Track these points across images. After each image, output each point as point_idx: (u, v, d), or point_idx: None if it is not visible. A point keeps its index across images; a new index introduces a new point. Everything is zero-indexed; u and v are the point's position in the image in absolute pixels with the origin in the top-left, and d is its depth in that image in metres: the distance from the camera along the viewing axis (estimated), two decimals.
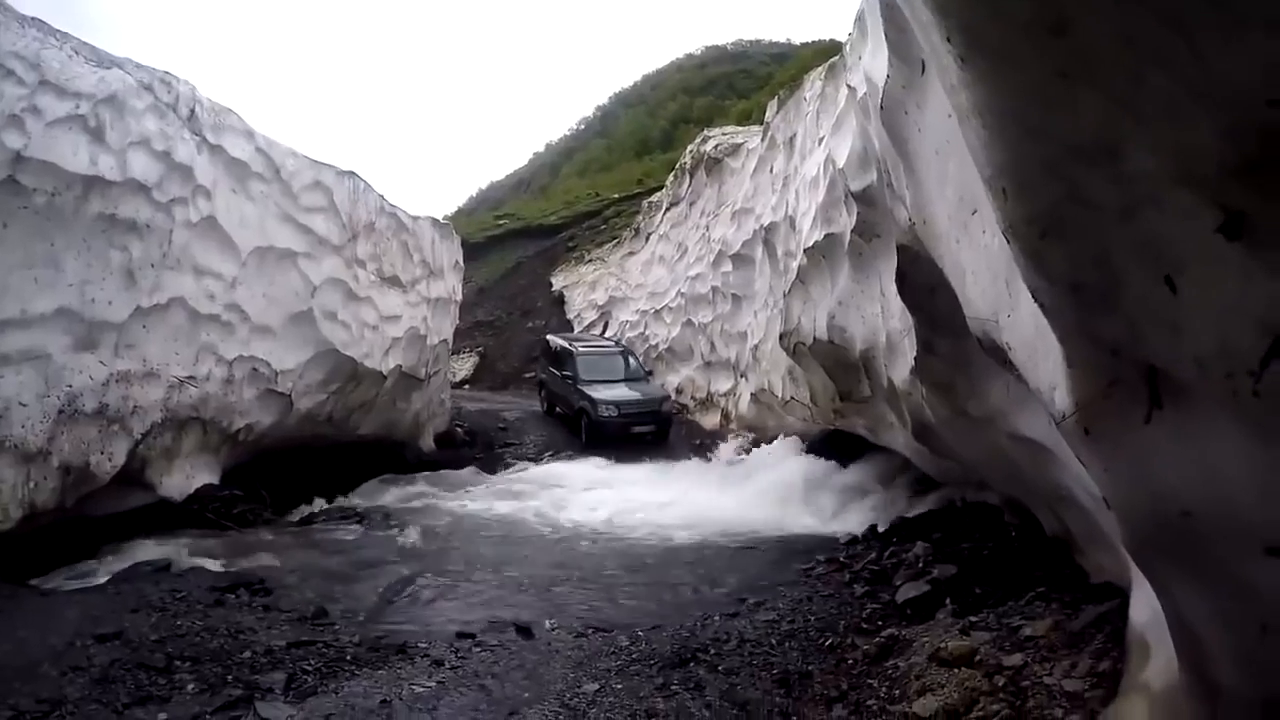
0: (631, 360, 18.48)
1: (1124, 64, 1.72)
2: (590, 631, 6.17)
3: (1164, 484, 2.34)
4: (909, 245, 5.42)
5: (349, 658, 5.38)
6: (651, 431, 16.30)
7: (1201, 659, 2.78)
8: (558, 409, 18.54)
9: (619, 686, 5.08)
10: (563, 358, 18.35)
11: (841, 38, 9.19)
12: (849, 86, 7.79)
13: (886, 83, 4.55)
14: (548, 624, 6.36)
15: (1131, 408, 2.32)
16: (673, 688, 5.07)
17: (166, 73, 8.97)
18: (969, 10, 1.96)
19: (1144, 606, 3.80)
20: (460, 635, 5.94)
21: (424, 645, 5.69)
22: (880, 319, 7.66)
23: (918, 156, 4.43)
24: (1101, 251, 2.10)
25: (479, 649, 5.69)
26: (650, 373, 18.82)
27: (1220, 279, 1.89)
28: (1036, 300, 2.49)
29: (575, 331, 24.71)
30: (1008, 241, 2.44)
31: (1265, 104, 1.52)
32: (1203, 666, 2.79)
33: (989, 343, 3.71)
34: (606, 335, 23.27)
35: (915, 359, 6.51)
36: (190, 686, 4.78)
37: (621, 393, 16.67)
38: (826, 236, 8.81)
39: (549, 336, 21.09)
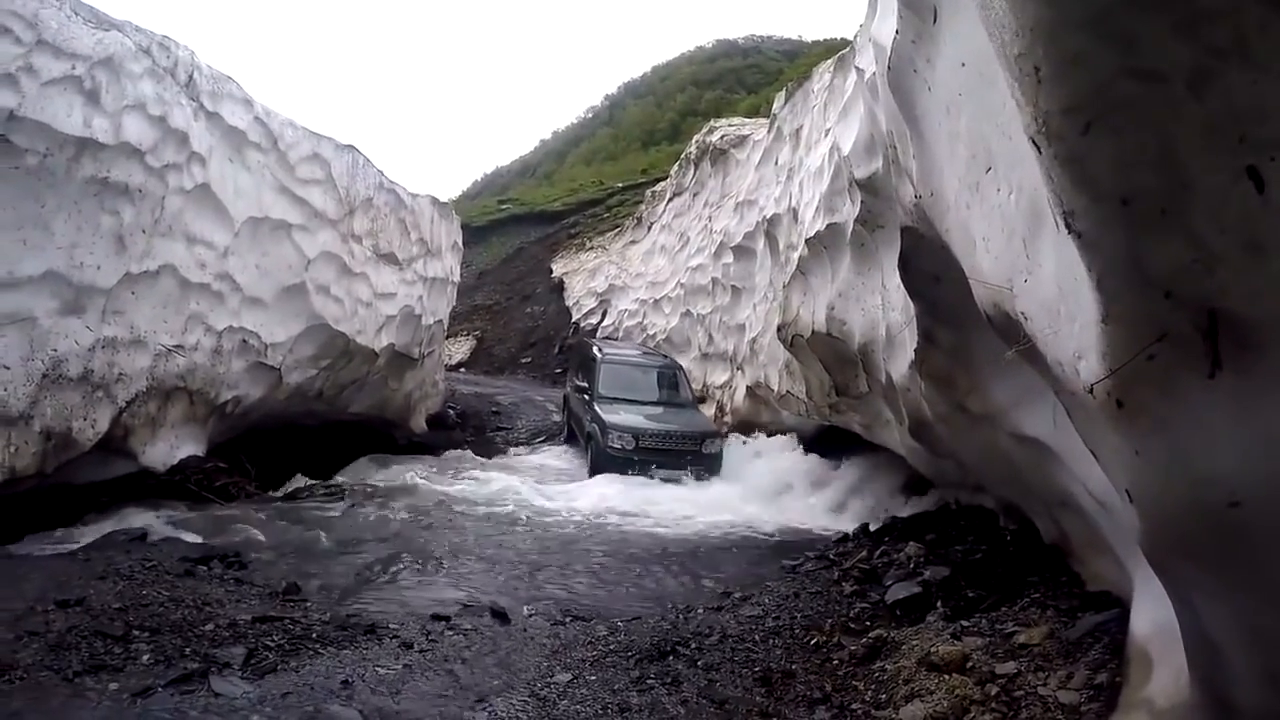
0: (676, 380, 14.54)
1: None
2: (568, 620, 6.00)
3: (1212, 467, 1.94)
4: (914, 226, 5.22)
5: (315, 636, 5.18)
6: (683, 475, 12.02)
7: (1221, 676, 2.51)
8: (575, 434, 14.96)
9: (593, 678, 4.89)
10: (588, 367, 14.47)
11: (852, 36, 9.00)
12: (857, 69, 7.61)
13: (895, 39, 4.25)
14: (525, 610, 6.18)
15: (1180, 370, 1.89)
16: (649, 681, 4.88)
17: (165, 37, 8.75)
18: None
19: (1146, 617, 3.61)
20: (434, 618, 5.75)
21: (395, 626, 5.50)
22: (880, 311, 7.48)
23: (927, 117, 4.14)
24: (1163, 143, 1.64)
25: (451, 632, 5.51)
26: (702, 400, 15.29)
27: None
28: (1071, 230, 1.99)
29: (597, 330, 23.85)
30: (1037, 151, 1.95)
31: None
32: (1221, 684, 2.53)
33: (1000, 317, 3.31)
34: (613, 332, 22.61)
35: (915, 350, 6.32)
36: (145, 657, 4.58)
37: (646, 419, 12.73)
38: (829, 226, 8.61)
39: (586, 339, 17.17)
